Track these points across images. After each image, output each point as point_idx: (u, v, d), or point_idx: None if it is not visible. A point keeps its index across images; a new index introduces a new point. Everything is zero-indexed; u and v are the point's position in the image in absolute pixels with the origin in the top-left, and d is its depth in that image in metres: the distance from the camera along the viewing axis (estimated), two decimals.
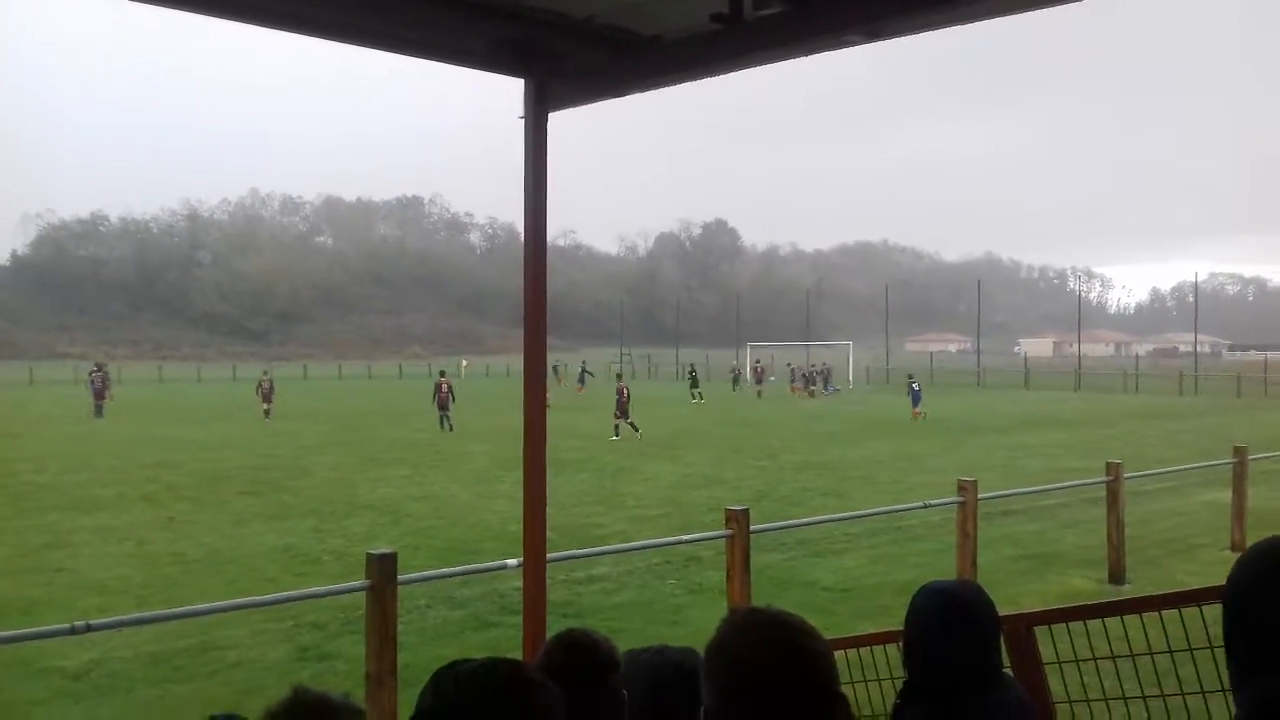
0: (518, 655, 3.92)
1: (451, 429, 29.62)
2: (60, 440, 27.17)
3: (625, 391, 28.38)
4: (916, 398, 35.80)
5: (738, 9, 3.47)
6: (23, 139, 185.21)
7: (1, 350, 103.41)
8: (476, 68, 4.31)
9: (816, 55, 3.84)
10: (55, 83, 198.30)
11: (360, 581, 5.66)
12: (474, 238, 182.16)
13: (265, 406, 35.74)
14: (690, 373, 50.89)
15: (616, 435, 27.40)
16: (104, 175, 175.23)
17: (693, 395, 46.75)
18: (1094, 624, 3.74)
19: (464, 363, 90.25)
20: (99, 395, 37.38)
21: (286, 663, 8.11)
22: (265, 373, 40.16)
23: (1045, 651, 3.84)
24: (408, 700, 5.63)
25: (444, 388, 30.96)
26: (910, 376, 42.49)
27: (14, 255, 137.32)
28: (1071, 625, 3.78)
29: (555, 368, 53.78)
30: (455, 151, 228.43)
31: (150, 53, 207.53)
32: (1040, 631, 3.87)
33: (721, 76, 4.16)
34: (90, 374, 39.55)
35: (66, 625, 4.93)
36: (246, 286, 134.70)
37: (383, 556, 5.54)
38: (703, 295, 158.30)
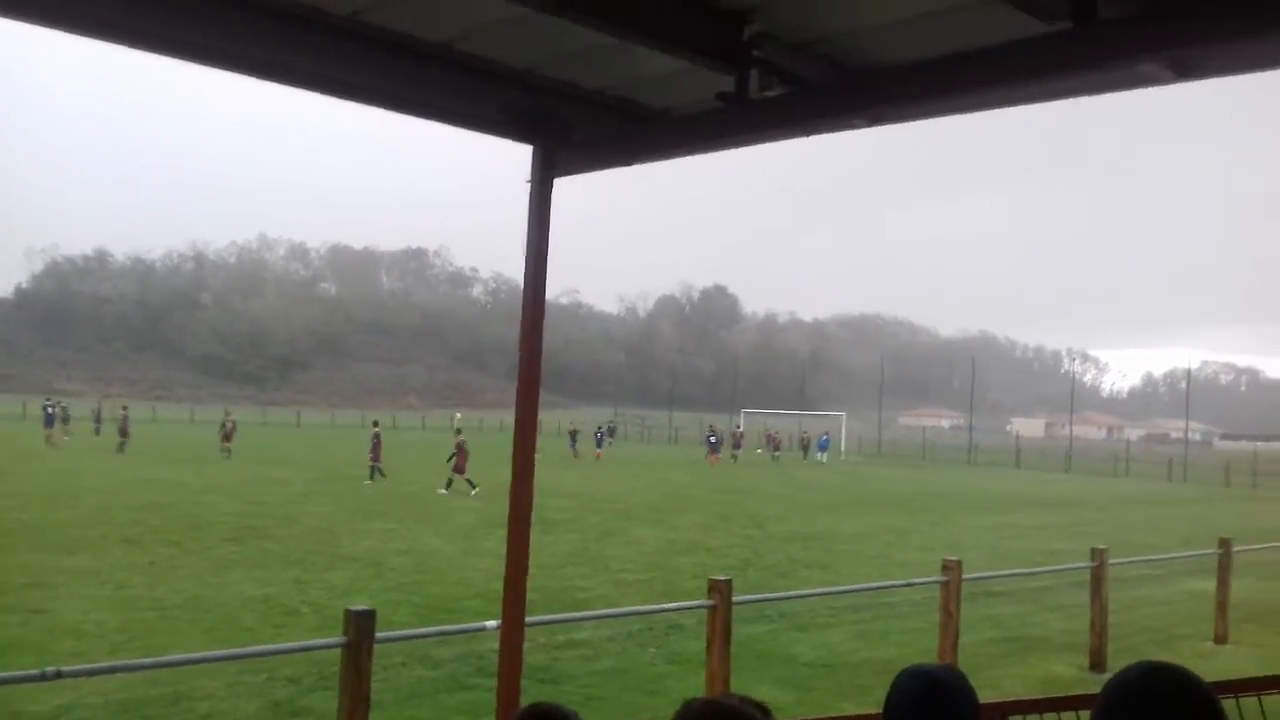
0: None
1: (383, 476, 29.77)
2: (49, 477, 26.96)
3: (464, 447, 28.57)
4: (714, 447, 50.50)
5: (743, 88, 3.57)
6: (31, 175, 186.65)
7: None
8: (487, 132, 4.41)
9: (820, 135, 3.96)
10: (65, 121, 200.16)
11: (337, 638, 5.60)
12: (476, 291, 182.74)
13: (225, 446, 37.53)
14: (570, 432, 52.92)
15: (446, 490, 27.33)
16: (112, 214, 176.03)
17: (573, 452, 48.02)
18: (1069, 715, 3.71)
19: (458, 415, 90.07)
20: (122, 433, 39.08)
21: (258, 716, 7.98)
22: (228, 413, 43.01)
23: None
24: None
25: (377, 439, 30.95)
26: (710, 428, 56.21)
27: (17, 289, 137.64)
28: (1045, 716, 3.75)
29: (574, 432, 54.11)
30: (463, 206, 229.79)
31: (164, 95, 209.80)
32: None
33: (726, 151, 4.28)
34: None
35: (38, 671, 4.86)
36: (246, 329, 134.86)
37: (361, 613, 5.49)
38: (699, 360, 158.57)
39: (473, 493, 26.48)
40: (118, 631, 10.51)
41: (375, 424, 32.68)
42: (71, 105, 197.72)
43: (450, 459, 28.47)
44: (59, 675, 4.86)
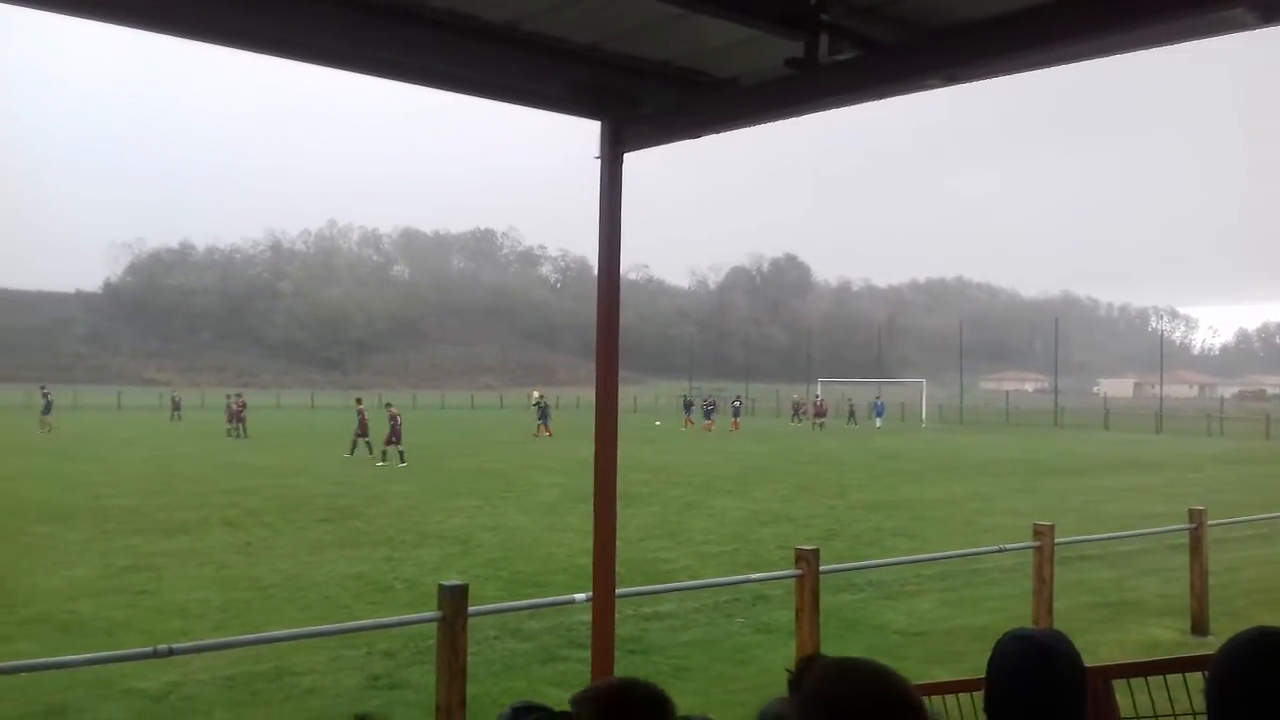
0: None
1: (370, 453, 30.40)
2: (142, 464, 27.96)
3: (398, 419, 29.81)
4: (708, 410, 54.19)
5: (813, 54, 3.50)
6: (112, 172, 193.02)
7: (92, 375, 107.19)
8: (555, 110, 4.42)
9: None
10: (146, 117, 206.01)
11: (432, 612, 5.73)
12: (546, 269, 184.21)
13: (234, 426, 39.60)
14: (539, 402, 47.61)
15: (383, 461, 28.70)
16: (190, 207, 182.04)
17: (538, 430, 44.34)
18: (1174, 677, 3.64)
19: (535, 394, 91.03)
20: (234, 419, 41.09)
21: (358, 690, 8.22)
22: (238, 395, 44.69)
23: (1124, 704, 3.75)
24: None
25: (363, 415, 31.94)
26: (729, 398, 62.37)
27: (106, 283, 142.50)
28: (1151, 679, 3.68)
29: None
30: (530, 185, 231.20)
31: (237, 89, 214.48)
32: (1119, 684, 3.78)
33: (797, 119, 4.22)
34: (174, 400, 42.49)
35: (149, 648, 5.08)
36: (324, 316, 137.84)
37: (454, 588, 5.60)
38: (772, 330, 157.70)
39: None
40: (220, 610, 10.90)
41: (359, 401, 34.07)
42: (148, 104, 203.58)
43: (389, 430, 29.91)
44: (170, 653, 5.06)
